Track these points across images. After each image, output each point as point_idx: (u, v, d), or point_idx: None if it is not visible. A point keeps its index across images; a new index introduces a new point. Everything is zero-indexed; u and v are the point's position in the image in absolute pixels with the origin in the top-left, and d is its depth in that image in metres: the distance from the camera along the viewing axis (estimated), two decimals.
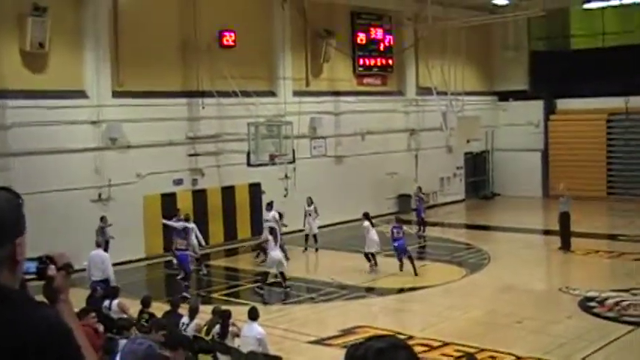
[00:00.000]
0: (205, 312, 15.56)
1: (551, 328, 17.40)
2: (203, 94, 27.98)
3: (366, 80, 35.63)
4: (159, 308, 16.50)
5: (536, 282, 23.02)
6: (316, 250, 27.40)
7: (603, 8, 38.90)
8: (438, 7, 34.89)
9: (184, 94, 27.94)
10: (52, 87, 24.11)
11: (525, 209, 36.46)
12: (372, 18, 35.44)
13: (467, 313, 18.98)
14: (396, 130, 36.47)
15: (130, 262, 24.95)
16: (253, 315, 14.06)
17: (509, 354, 15.39)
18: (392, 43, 36.17)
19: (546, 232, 30.25)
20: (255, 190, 29.70)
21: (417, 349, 11.69)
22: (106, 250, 20.63)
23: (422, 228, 30.49)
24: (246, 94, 28.03)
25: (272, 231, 22.52)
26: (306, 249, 27.41)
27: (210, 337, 14.15)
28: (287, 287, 21.71)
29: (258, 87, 29.39)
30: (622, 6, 37.88)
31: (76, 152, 24.66)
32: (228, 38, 28.73)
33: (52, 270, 2.89)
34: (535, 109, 40.71)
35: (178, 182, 27.75)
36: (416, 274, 23.20)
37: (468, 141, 36.84)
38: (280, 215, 25.63)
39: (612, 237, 28.72)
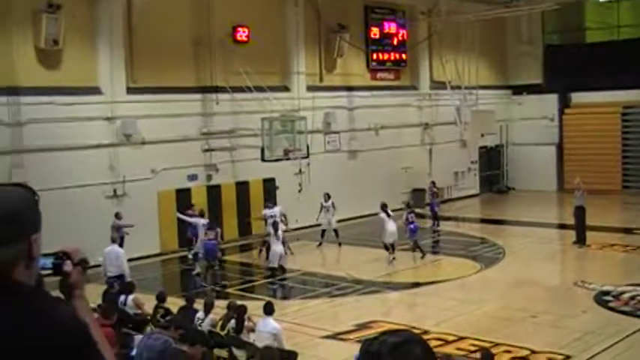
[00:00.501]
0: (220, 307, 15.60)
1: (567, 323, 17.35)
2: (217, 89, 28.01)
3: (379, 75, 35.57)
4: (174, 303, 16.57)
5: (551, 276, 22.95)
6: (339, 244, 27.33)
7: (618, 1, 38.69)
8: (452, 0, 34.83)
9: (198, 89, 27.98)
10: (67, 84, 24.20)
11: (540, 203, 36.34)
12: (386, 12, 35.35)
13: (482, 308, 18.94)
14: (410, 125, 36.41)
15: (145, 257, 25.04)
16: (269, 310, 14.09)
17: (525, 348, 15.36)
18: (406, 37, 36.07)
19: (561, 227, 30.13)
20: (269, 185, 29.73)
21: (432, 343, 11.67)
22: (121, 245, 20.73)
23: (436, 222, 30.45)
24: (260, 89, 28.04)
25: (275, 225, 22.79)
26: (320, 244, 27.39)
27: (225, 332, 14.20)
28: (282, 281, 22.07)
29: (272, 82, 29.41)
30: None
31: (90, 148, 24.75)
32: (242, 34, 28.77)
33: (67, 266, 2.90)
34: (549, 102, 40.54)
35: (193, 178, 27.81)
36: (423, 256, 24.72)
37: (482, 135, 36.74)
38: (284, 215, 25.64)
39: (628, 231, 28.57)
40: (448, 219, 32.35)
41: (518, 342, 15.74)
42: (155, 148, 26.38)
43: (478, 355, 12.79)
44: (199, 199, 26.91)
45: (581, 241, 25.87)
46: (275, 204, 26.49)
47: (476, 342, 15.71)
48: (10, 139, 22.96)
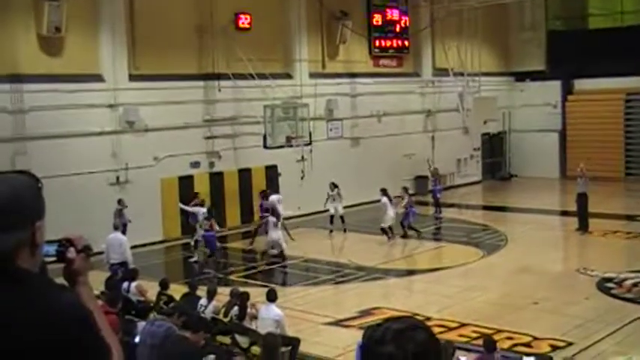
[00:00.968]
0: (223, 294, 15.64)
1: (569, 309, 17.37)
2: (219, 76, 27.98)
3: (382, 62, 35.49)
4: (177, 290, 16.61)
5: (554, 263, 22.95)
6: (344, 230, 27.41)
7: None
8: None
9: (200, 76, 27.95)
10: (69, 71, 24.18)
11: (542, 190, 36.31)
12: None
13: (484, 295, 18.96)
14: (413, 112, 36.36)
15: (148, 244, 25.07)
16: (271, 297, 14.11)
17: (527, 335, 15.39)
18: (408, 24, 35.98)
19: (564, 213, 30.13)
20: (271, 172, 29.74)
21: (435, 330, 11.72)
22: (124, 232, 20.75)
23: (438, 209, 30.44)
24: (262, 76, 28.01)
25: (273, 212, 22.96)
26: (331, 231, 27.48)
27: (228, 318, 14.23)
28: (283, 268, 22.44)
29: (274, 69, 29.37)
30: None
31: (93, 136, 24.76)
32: (244, 21, 28.71)
33: (71, 253, 2.91)
34: (552, 89, 40.42)
35: (195, 165, 27.82)
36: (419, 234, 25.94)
37: (485, 122, 36.68)
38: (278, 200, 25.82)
39: (630, 218, 28.57)
40: (451, 206, 32.35)
41: (520, 329, 15.77)
42: (157, 135, 26.38)
43: (480, 341, 12.81)
44: (202, 187, 26.92)
45: (583, 228, 25.88)
46: (277, 192, 26.55)
47: (478, 329, 15.75)
48: (12, 126, 22.98)
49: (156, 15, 26.16)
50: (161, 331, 6.12)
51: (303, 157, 29.99)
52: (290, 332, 13.99)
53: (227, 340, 13.95)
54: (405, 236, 25.93)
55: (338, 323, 16.86)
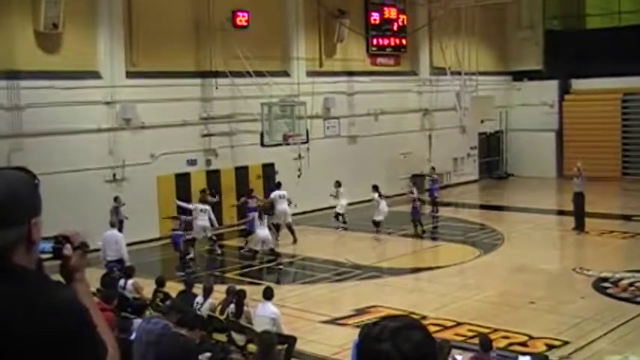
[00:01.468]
0: (219, 292, 15.64)
1: (565, 309, 17.38)
2: (217, 74, 27.96)
3: (379, 60, 35.50)
4: (173, 288, 16.60)
5: (550, 262, 22.97)
6: (345, 229, 27.74)
7: None
8: None
9: (198, 74, 27.93)
10: (66, 68, 24.16)
11: (539, 190, 36.35)
12: None
13: (480, 294, 18.97)
14: (410, 110, 36.38)
15: (145, 242, 25.05)
16: (268, 295, 14.11)
17: (523, 334, 15.40)
18: (406, 22, 35.99)
19: (560, 213, 30.13)
20: (268, 170, 29.74)
21: (431, 328, 11.72)
22: (120, 230, 20.73)
23: (435, 208, 30.45)
24: (259, 74, 27.99)
25: (268, 209, 23.15)
26: (339, 228, 27.79)
27: (224, 316, 14.23)
28: (278, 265, 22.57)
29: (272, 67, 29.35)
30: None
31: (90, 133, 24.74)
32: (242, 18, 28.68)
33: (67, 249, 2.90)
34: (550, 89, 40.47)
35: (192, 163, 27.82)
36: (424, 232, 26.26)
37: (482, 121, 36.70)
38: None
39: (627, 217, 28.58)
40: (447, 205, 32.36)
41: (517, 328, 15.77)
42: (154, 132, 26.37)
43: (476, 340, 12.82)
44: (198, 184, 26.90)
45: (580, 227, 25.90)
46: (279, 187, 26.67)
47: (474, 327, 15.75)
48: (9, 123, 22.93)
49: (153, 12, 26.14)
50: (157, 329, 6.10)
51: (300, 156, 29.97)
52: (286, 330, 13.99)
53: (223, 337, 13.96)
54: (421, 233, 26.24)
55: (334, 321, 16.85)
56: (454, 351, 12.01)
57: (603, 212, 28.18)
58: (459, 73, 35.45)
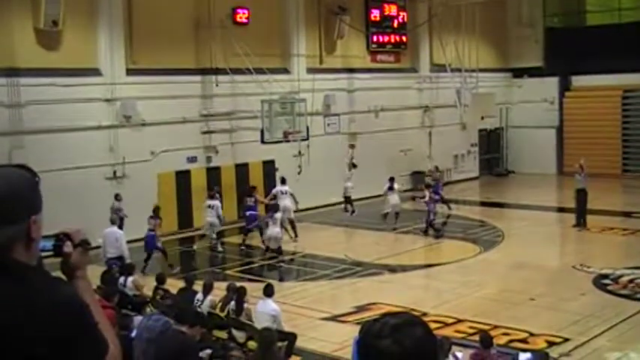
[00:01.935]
0: (220, 289, 15.64)
1: (565, 306, 17.39)
2: (217, 71, 27.94)
3: (379, 57, 35.49)
4: (173, 285, 16.61)
5: (551, 259, 22.99)
6: (346, 210, 29.33)
7: None
8: None
9: (198, 71, 27.92)
10: (66, 65, 24.15)
11: (540, 186, 36.35)
12: None
13: (481, 290, 18.98)
14: (410, 107, 36.36)
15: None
16: (268, 292, 14.12)
17: (523, 331, 15.40)
18: (406, 19, 35.97)
19: (561, 210, 30.15)
20: (268, 167, 29.74)
21: (431, 325, 11.74)
22: (120, 227, 20.73)
23: (446, 206, 29.99)
24: (259, 71, 27.98)
25: (271, 206, 23.28)
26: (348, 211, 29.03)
27: (225, 313, 14.24)
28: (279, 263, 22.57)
29: (272, 64, 29.35)
30: None
31: (90, 130, 24.74)
32: (242, 15, 28.68)
33: (68, 247, 2.91)
34: (550, 85, 40.45)
35: (192, 160, 27.81)
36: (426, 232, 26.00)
37: (482, 118, 36.67)
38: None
39: (627, 214, 28.58)
40: (448, 201, 32.28)
41: (517, 324, 15.78)
42: (155, 129, 26.36)
43: (477, 337, 12.82)
44: (199, 181, 26.91)
45: (581, 224, 25.90)
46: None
47: (475, 324, 15.76)
48: (9, 120, 22.94)
49: (154, 9, 26.13)
50: (158, 326, 6.11)
51: (300, 152, 30.00)
52: (286, 327, 14.00)
53: (224, 334, 13.96)
54: (438, 235, 25.76)
55: (335, 318, 16.85)
56: (455, 348, 12.03)
57: (604, 209, 28.17)
58: (460, 70, 35.42)
